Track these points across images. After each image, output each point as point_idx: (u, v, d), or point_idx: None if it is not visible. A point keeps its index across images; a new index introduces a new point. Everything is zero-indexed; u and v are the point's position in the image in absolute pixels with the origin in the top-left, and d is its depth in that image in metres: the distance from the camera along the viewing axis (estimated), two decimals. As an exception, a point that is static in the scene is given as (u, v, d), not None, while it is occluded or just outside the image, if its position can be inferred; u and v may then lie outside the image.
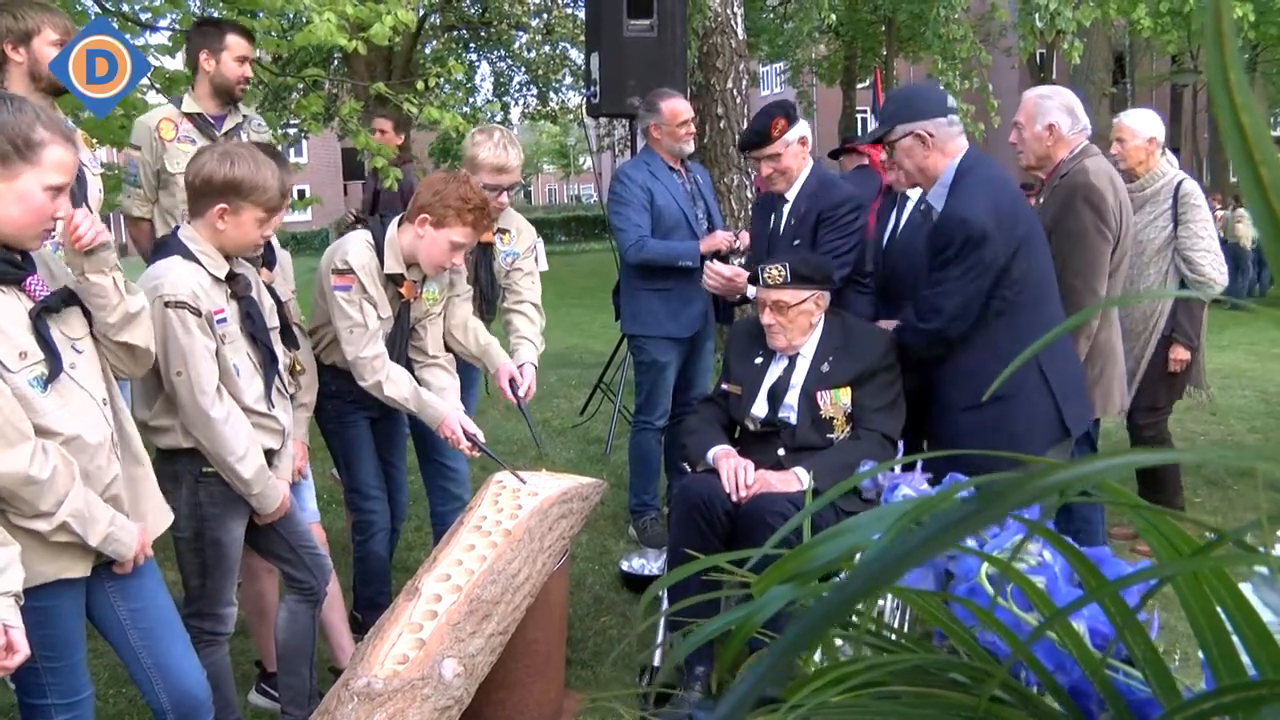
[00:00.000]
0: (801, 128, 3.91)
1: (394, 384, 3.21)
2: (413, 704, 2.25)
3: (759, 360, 3.37)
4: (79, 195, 3.29)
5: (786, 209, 3.94)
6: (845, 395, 3.22)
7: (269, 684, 3.24)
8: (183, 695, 2.33)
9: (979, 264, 2.97)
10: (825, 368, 3.27)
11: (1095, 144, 3.76)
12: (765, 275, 3.25)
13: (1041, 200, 3.70)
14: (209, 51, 3.87)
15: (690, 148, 4.65)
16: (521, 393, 3.59)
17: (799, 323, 3.27)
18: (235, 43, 3.88)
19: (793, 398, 3.27)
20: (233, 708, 2.80)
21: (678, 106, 4.56)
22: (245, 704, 3.23)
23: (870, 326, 3.38)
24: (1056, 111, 3.66)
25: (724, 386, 3.45)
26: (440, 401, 3.31)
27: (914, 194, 3.65)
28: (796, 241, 3.85)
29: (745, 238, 4.46)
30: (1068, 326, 0.59)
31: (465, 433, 3.26)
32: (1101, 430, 6.34)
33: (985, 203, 2.98)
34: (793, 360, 3.32)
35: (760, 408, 3.31)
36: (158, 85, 5.24)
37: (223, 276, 2.60)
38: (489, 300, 3.83)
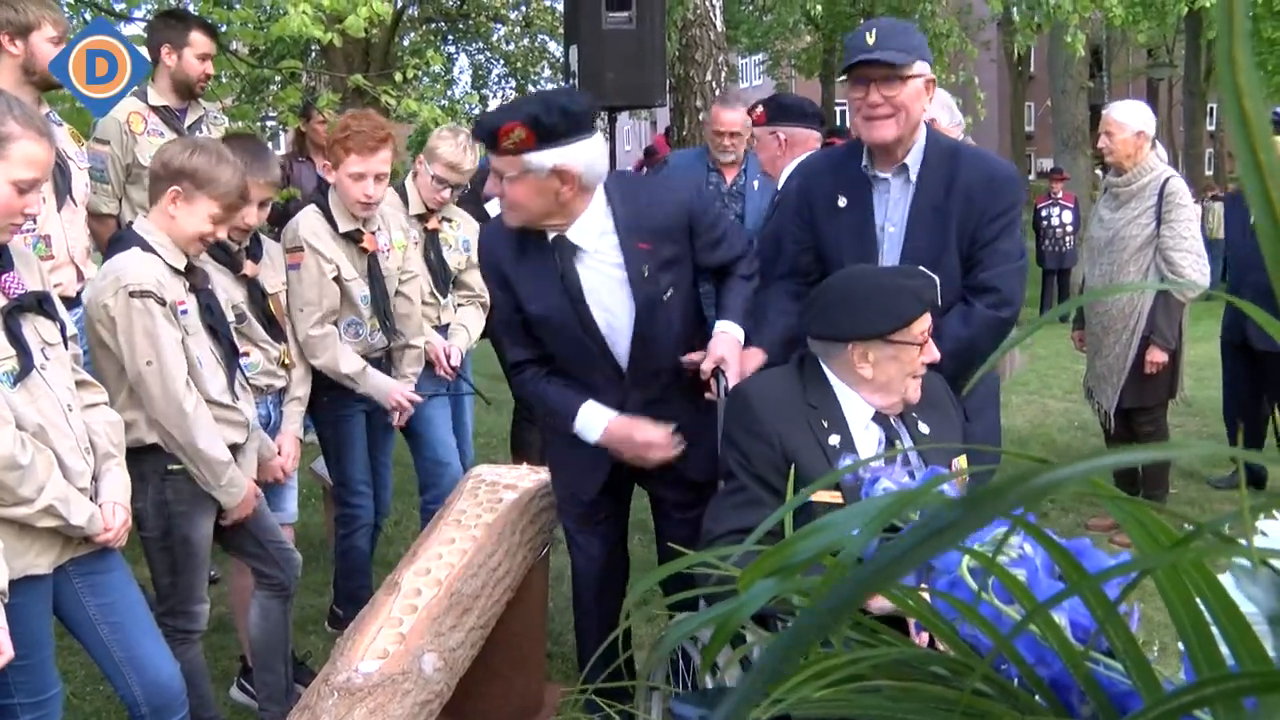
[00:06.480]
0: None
1: (347, 360, 3.25)
2: (393, 698, 2.24)
3: (834, 441, 2.15)
4: (63, 188, 3.24)
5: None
6: (963, 464, 2.16)
7: (248, 680, 3.22)
8: (157, 688, 2.31)
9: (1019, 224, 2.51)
10: (924, 428, 2.25)
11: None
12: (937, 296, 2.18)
13: None
14: (171, 46, 3.82)
15: (724, 157, 4.70)
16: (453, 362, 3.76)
17: None
18: (198, 40, 3.82)
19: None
20: (209, 705, 2.78)
21: (721, 115, 4.64)
22: (226, 700, 3.21)
23: None
24: (935, 108, 3.90)
25: (817, 499, 2.01)
26: (385, 377, 3.39)
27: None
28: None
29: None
30: (1059, 311, 0.60)
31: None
32: (1080, 422, 6.42)
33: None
34: (885, 423, 2.22)
35: None
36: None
37: (181, 268, 2.57)
38: (442, 280, 3.84)
